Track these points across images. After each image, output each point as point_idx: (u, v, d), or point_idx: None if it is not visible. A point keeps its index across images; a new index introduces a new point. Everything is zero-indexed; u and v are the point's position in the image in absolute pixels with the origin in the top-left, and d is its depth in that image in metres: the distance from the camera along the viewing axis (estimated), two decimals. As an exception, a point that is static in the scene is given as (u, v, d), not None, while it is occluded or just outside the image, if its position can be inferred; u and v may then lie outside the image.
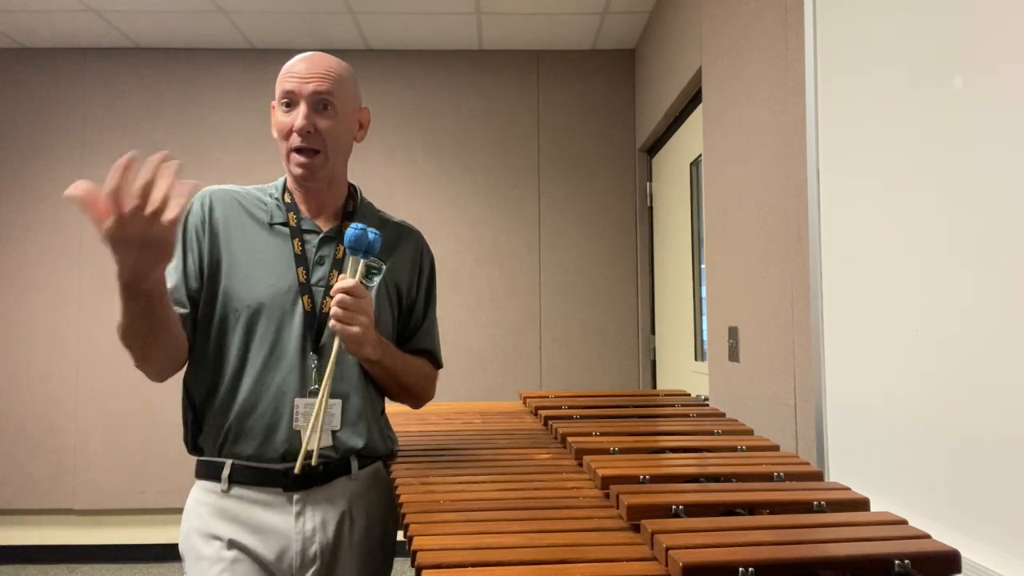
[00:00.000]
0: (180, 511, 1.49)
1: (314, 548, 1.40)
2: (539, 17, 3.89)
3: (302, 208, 1.49)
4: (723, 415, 1.85)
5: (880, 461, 1.47)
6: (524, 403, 2.13)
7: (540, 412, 1.84)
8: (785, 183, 2.04)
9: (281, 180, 1.53)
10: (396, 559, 1.57)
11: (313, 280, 1.44)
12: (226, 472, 1.40)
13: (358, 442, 1.44)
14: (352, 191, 1.56)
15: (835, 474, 1.66)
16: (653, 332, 4.12)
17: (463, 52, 4.31)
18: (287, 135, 1.42)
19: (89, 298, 4.15)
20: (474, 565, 0.90)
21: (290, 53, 1.54)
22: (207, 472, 1.42)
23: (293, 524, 1.39)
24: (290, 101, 1.42)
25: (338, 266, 1.46)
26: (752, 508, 1.06)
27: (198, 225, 1.44)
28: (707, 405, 2.04)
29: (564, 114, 4.30)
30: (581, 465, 1.36)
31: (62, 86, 4.25)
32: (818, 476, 1.27)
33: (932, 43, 1.31)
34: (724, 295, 2.57)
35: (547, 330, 4.21)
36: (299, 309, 1.41)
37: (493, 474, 1.32)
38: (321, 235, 1.47)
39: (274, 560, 1.38)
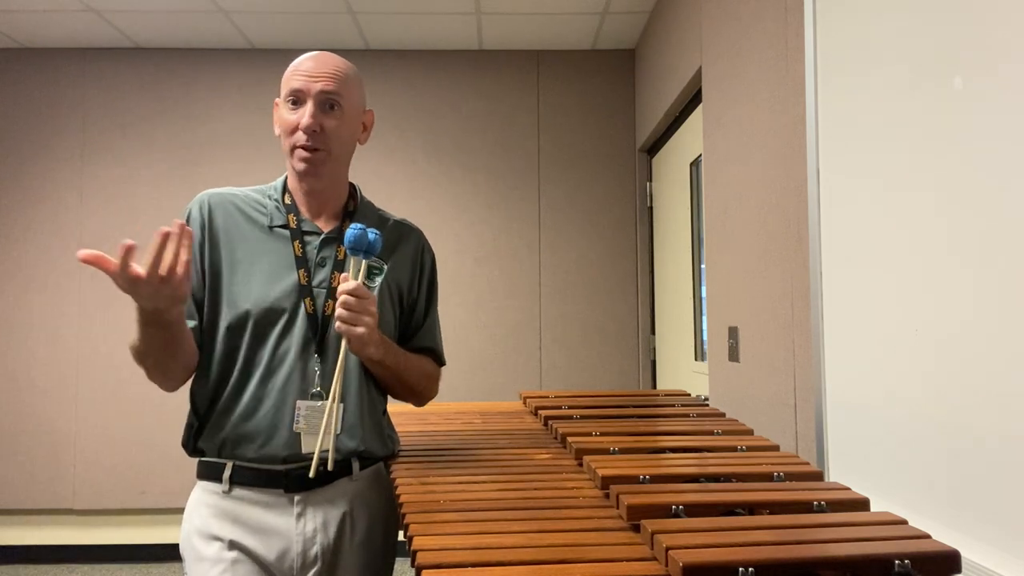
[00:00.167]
0: (180, 511, 1.49)
1: (315, 549, 1.40)
2: (539, 17, 3.89)
3: (302, 209, 1.49)
4: (723, 415, 1.85)
5: (880, 461, 1.47)
6: (524, 403, 2.13)
7: (540, 412, 1.84)
8: (785, 183, 2.04)
9: (280, 180, 1.52)
10: (396, 559, 1.57)
11: (315, 282, 1.44)
12: (227, 473, 1.40)
13: (358, 444, 1.44)
14: (352, 191, 1.56)
15: (835, 474, 1.66)
16: (653, 332, 4.12)
17: (463, 52, 4.31)
18: (292, 132, 1.42)
19: (89, 298, 4.15)
20: (474, 565, 0.90)
21: (290, 53, 1.55)
22: (208, 473, 1.42)
23: (294, 525, 1.39)
24: (297, 99, 1.42)
25: (340, 267, 1.45)
26: (752, 508, 1.06)
27: (197, 232, 1.44)
28: (707, 405, 2.04)
29: (564, 114, 4.30)
30: (581, 465, 1.36)
31: (62, 86, 4.25)
32: (818, 476, 1.27)
33: (932, 43, 1.31)
34: (724, 295, 2.57)
35: (547, 330, 4.21)
36: (301, 312, 1.41)
37: (493, 474, 1.32)
38: (322, 236, 1.47)
39: (275, 561, 1.38)
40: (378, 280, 1.37)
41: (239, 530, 1.38)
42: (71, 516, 4.10)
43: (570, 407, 1.89)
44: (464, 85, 4.30)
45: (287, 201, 1.49)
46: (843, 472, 1.63)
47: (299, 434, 1.38)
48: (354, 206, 1.54)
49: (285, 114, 1.43)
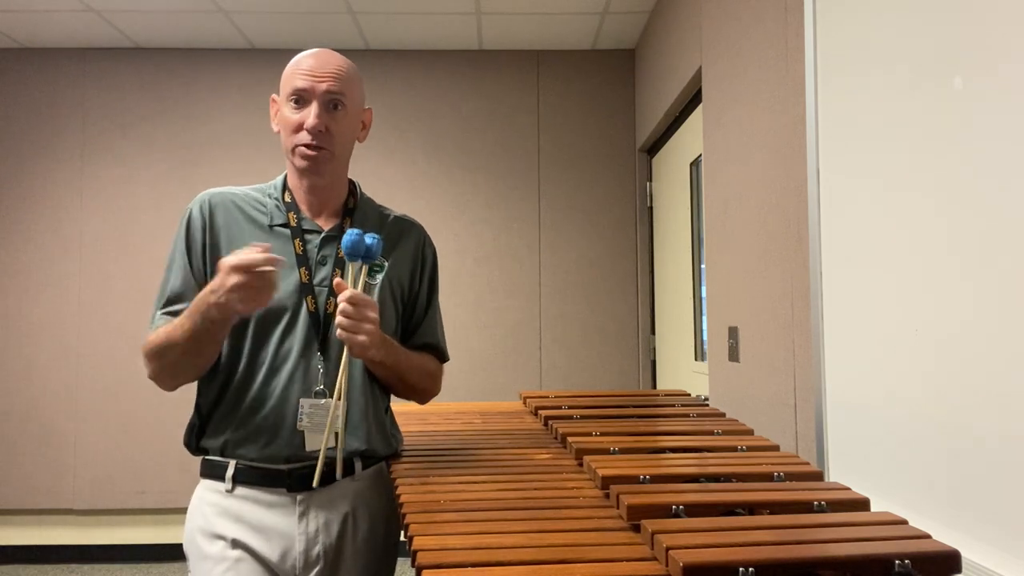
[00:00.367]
0: (180, 511, 1.50)
1: (317, 549, 1.40)
2: (539, 17, 3.89)
3: (302, 207, 1.49)
4: (723, 415, 1.85)
5: (880, 461, 1.47)
6: (524, 403, 2.13)
7: (540, 412, 1.84)
8: (785, 183, 2.04)
9: (280, 179, 1.52)
10: (398, 559, 1.57)
11: (316, 280, 1.44)
12: (230, 472, 1.40)
13: (360, 444, 1.44)
14: (352, 188, 1.56)
15: (835, 474, 1.66)
16: (653, 332, 4.12)
17: (463, 52, 4.31)
18: (295, 131, 1.42)
19: (89, 298, 4.14)
20: (474, 565, 0.90)
21: (290, 53, 1.54)
22: (211, 472, 1.43)
23: (296, 525, 1.39)
24: (300, 98, 1.41)
25: (340, 265, 1.45)
26: (752, 508, 1.06)
27: (198, 233, 1.44)
28: (707, 405, 2.05)
29: (564, 114, 4.30)
30: (581, 465, 1.36)
31: (62, 86, 4.25)
32: (818, 476, 1.27)
33: (932, 43, 1.31)
34: (724, 295, 2.57)
35: (547, 330, 4.21)
36: (303, 310, 1.41)
37: (493, 474, 1.32)
38: (323, 235, 1.47)
39: (277, 560, 1.38)
40: (379, 277, 1.37)
41: (242, 529, 1.38)
42: (71, 516, 4.10)
43: (570, 407, 1.89)
44: (464, 85, 4.31)
45: (287, 199, 1.49)
46: (843, 472, 1.63)
47: (303, 433, 1.38)
48: (354, 203, 1.54)
49: (288, 113, 1.43)
